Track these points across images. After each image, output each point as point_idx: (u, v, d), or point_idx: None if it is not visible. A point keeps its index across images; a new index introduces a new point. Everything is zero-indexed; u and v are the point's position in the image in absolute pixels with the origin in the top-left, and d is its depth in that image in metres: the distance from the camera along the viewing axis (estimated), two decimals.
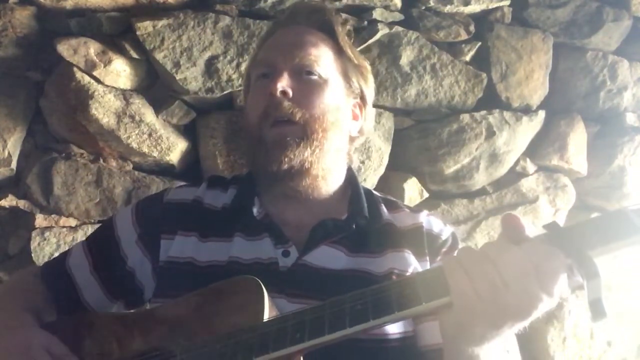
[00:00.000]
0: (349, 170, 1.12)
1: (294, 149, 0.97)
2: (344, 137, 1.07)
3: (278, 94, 0.99)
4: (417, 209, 1.10)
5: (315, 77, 1.02)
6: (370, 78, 1.14)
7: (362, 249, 0.98)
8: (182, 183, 1.36)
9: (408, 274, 0.96)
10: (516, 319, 0.68)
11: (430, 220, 1.06)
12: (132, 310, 1.09)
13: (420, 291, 0.68)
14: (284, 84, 0.99)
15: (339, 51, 1.08)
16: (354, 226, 1.00)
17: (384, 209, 1.07)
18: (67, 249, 1.23)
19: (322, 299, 0.73)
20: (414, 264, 0.98)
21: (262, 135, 1.00)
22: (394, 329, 0.90)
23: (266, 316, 0.76)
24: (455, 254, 1.01)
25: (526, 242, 0.68)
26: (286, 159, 0.97)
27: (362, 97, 1.11)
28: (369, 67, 1.14)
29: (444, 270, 0.70)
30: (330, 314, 0.69)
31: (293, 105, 0.99)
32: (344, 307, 0.69)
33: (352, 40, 1.19)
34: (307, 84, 1.02)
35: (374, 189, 1.22)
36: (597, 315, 0.63)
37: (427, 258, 1.00)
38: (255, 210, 1.01)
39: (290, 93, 1.00)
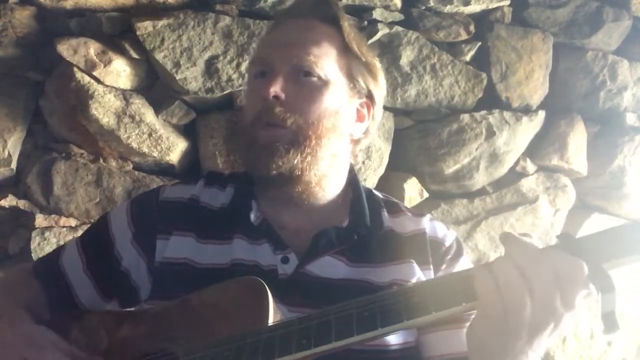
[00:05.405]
0: (351, 172, 1.07)
1: (283, 156, 0.93)
2: (343, 142, 1.02)
3: (270, 98, 0.94)
4: (419, 212, 1.07)
5: (314, 79, 0.96)
6: (381, 76, 1.06)
7: (363, 259, 0.96)
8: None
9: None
10: (530, 330, 0.64)
11: (433, 226, 1.02)
12: (130, 309, 1.08)
13: (429, 300, 0.66)
14: (277, 88, 0.94)
15: (345, 48, 1.01)
16: (355, 237, 0.97)
17: (385, 213, 1.03)
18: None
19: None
20: (417, 274, 0.95)
21: (255, 137, 0.96)
22: (394, 339, 0.88)
23: (270, 318, 0.74)
24: (461, 260, 1.00)
25: (549, 250, 0.66)
26: (274, 165, 0.93)
27: (370, 97, 1.04)
28: (378, 65, 1.06)
29: (473, 276, 0.67)
30: (336, 320, 0.68)
31: (285, 111, 0.94)
32: (351, 314, 0.68)
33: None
34: (304, 87, 0.96)
35: (374, 189, 1.18)
36: (610, 328, 0.62)
37: (431, 267, 0.97)
38: (252, 215, 0.98)
39: (284, 97, 0.95)
